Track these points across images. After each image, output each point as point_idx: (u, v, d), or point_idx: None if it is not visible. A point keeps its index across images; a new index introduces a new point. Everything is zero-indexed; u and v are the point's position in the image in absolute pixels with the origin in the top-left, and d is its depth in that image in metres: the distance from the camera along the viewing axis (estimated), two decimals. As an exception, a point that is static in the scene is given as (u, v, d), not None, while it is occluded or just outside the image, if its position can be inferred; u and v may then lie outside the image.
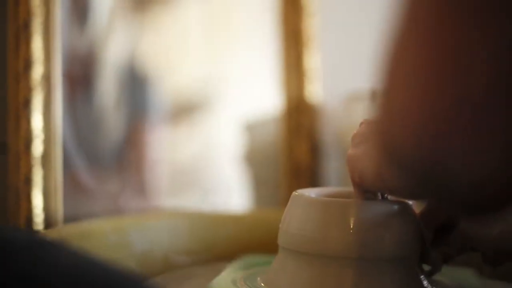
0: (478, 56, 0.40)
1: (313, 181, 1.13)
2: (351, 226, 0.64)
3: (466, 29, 0.40)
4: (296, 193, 0.70)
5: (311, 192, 0.72)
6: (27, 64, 0.97)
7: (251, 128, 1.20)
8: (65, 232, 0.78)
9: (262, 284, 0.69)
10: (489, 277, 0.78)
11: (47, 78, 0.98)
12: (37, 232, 0.87)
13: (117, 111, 1.13)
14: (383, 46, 0.44)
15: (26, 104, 0.96)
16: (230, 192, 1.20)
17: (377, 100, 0.45)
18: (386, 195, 0.69)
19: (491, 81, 0.39)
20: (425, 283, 0.68)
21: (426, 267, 0.70)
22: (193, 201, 1.17)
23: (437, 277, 0.71)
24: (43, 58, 0.98)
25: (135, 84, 1.17)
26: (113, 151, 1.13)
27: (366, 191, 0.66)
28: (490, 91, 0.40)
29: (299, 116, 1.16)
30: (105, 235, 0.82)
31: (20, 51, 0.97)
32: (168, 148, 1.19)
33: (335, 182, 1.13)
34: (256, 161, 1.20)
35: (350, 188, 0.67)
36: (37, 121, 0.96)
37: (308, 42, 1.16)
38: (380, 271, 0.65)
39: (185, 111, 1.21)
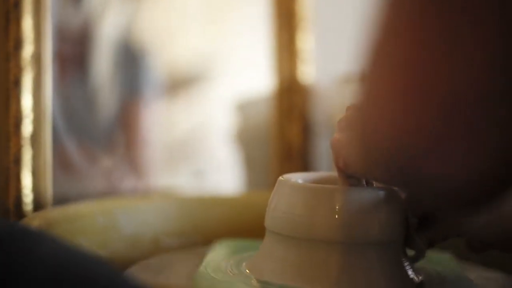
0: (470, 54, 0.39)
1: (305, 162, 1.13)
2: (337, 211, 0.64)
3: (456, 26, 0.39)
4: (282, 178, 0.69)
5: (297, 177, 0.72)
6: (17, 44, 0.96)
7: (243, 108, 1.20)
8: (53, 215, 0.78)
9: (247, 271, 0.69)
10: (472, 263, 0.78)
11: (37, 57, 0.97)
12: (19, 220, 0.87)
13: (111, 88, 1.13)
14: (367, 38, 0.43)
15: (16, 83, 0.96)
16: (222, 172, 1.20)
17: (359, 94, 0.44)
18: (371, 181, 0.69)
19: (484, 81, 0.39)
20: (408, 268, 0.68)
21: (410, 252, 0.70)
22: (185, 181, 1.16)
23: (420, 263, 0.71)
24: (34, 38, 0.97)
25: (130, 60, 1.16)
26: (106, 129, 1.13)
27: (350, 176, 0.66)
28: (484, 91, 0.39)
29: (291, 97, 1.15)
30: (93, 218, 0.82)
31: (10, 30, 0.96)
32: (161, 126, 1.19)
33: (327, 164, 1.13)
34: (247, 141, 1.20)
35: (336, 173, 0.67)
36: (27, 101, 0.96)
37: (301, 23, 1.16)
38: (365, 255, 0.65)
39: (178, 88, 1.21)
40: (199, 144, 1.21)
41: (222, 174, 1.20)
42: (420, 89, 0.40)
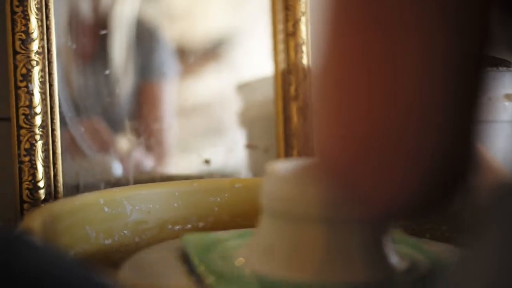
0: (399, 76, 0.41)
1: (306, 145, 1.16)
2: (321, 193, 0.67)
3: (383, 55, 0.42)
4: (270, 167, 0.72)
5: (286, 166, 0.74)
6: (25, 38, 1.00)
7: (245, 91, 1.23)
8: (58, 207, 0.82)
9: (237, 260, 0.72)
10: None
11: (45, 51, 1.01)
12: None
13: (128, 71, 1.16)
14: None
15: (25, 76, 1.00)
16: (231, 155, 1.23)
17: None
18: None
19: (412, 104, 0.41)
20: (392, 252, 0.71)
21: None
22: (196, 165, 1.20)
23: (402, 249, 0.74)
24: (40, 32, 1.01)
25: (144, 41, 1.19)
26: (122, 114, 1.16)
27: None
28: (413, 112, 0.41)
29: (292, 80, 1.18)
30: (99, 207, 0.86)
31: (17, 27, 1.00)
32: (174, 108, 1.22)
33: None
34: (250, 124, 1.23)
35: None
36: (36, 94, 1.00)
37: (300, 9, 1.18)
38: (349, 233, 0.68)
39: (189, 69, 1.23)
40: (211, 126, 1.24)
41: (231, 156, 1.23)
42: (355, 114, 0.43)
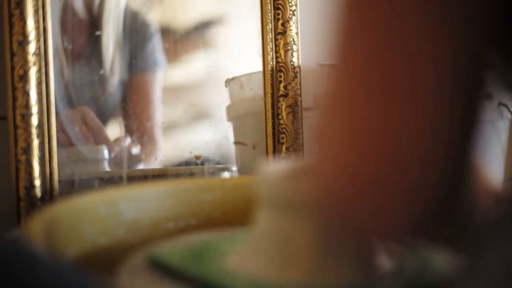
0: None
1: (295, 143, 1.19)
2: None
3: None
4: (263, 168, 0.74)
5: (279, 166, 0.76)
6: (22, 40, 1.02)
7: (234, 85, 1.25)
8: (57, 211, 0.85)
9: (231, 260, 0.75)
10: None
11: (41, 52, 1.04)
12: (30, 209, 0.93)
13: (119, 69, 1.18)
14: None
15: (22, 77, 1.02)
16: (219, 151, 1.25)
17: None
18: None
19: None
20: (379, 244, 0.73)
21: None
22: (187, 162, 1.22)
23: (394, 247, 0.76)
24: (37, 34, 1.03)
25: (134, 33, 1.21)
26: (114, 109, 1.18)
27: None
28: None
29: (282, 78, 1.20)
30: (95, 208, 0.88)
31: (14, 29, 1.02)
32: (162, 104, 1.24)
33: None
34: (239, 119, 1.25)
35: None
36: (32, 94, 1.03)
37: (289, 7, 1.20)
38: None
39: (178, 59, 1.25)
40: (201, 120, 1.27)
41: (220, 151, 1.25)
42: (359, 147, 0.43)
